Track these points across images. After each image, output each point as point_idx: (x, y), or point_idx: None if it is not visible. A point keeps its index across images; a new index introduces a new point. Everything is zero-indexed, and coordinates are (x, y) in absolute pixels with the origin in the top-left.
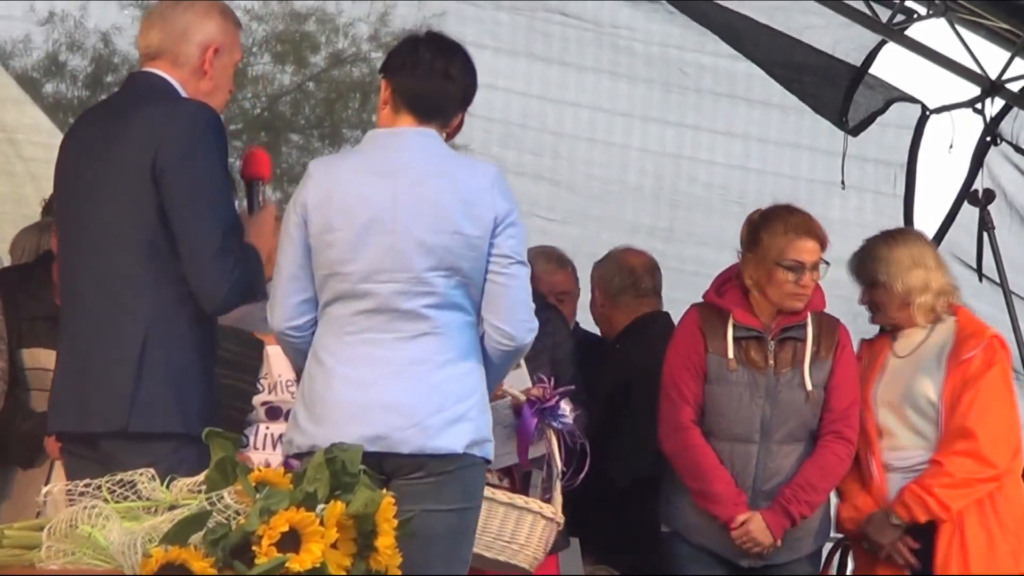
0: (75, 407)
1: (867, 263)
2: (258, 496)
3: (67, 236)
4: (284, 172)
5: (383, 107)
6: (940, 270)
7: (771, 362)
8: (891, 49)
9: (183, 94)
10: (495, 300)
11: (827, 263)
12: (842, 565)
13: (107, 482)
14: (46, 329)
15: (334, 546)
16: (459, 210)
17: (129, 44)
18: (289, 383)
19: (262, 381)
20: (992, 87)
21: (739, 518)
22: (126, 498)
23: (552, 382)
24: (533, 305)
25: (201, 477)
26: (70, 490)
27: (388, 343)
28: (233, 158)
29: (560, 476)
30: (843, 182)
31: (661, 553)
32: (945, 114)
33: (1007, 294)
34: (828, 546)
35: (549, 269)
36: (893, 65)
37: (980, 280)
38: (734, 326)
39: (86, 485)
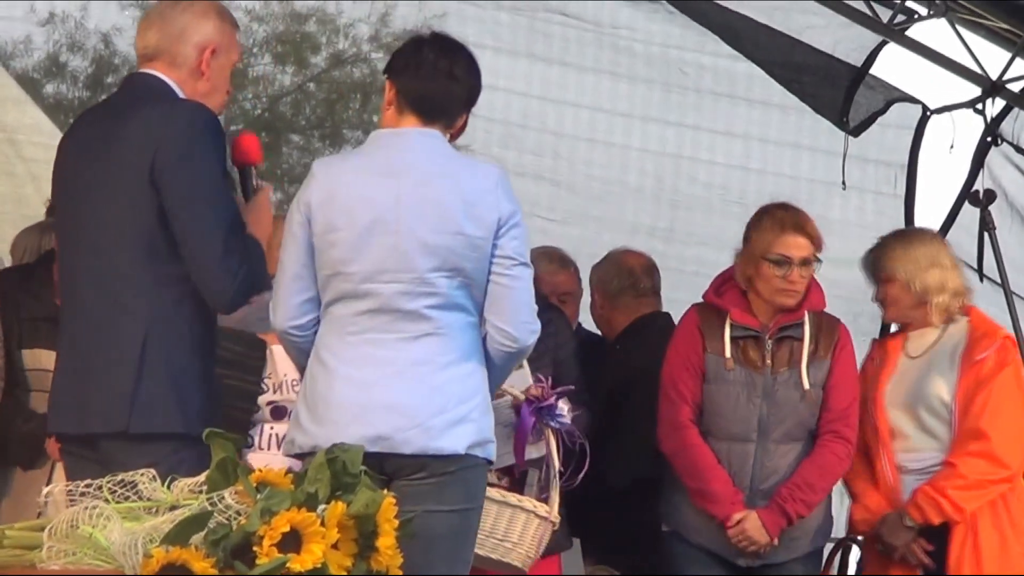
0: (75, 408)
1: (883, 260)
2: (259, 496)
3: (66, 237)
4: (285, 173)
5: (387, 108)
6: (956, 270)
7: (768, 361)
8: (891, 49)
9: (180, 95)
10: (498, 301)
11: (819, 260)
12: (843, 565)
13: (108, 482)
14: (47, 330)
15: (335, 546)
16: (462, 211)
17: (129, 45)
18: (294, 383)
19: (267, 381)
20: (993, 87)
21: (735, 517)
22: (127, 498)
23: (551, 382)
24: (536, 307)
25: (202, 477)
26: (71, 490)
27: (390, 343)
28: None
29: (558, 476)
30: (844, 182)
31: (661, 553)
32: (946, 114)
33: (1008, 294)
34: (829, 546)
35: (551, 270)
36: (894, 65)
37: (981, 280)
38: (731, 326)
39: (87, 485)
